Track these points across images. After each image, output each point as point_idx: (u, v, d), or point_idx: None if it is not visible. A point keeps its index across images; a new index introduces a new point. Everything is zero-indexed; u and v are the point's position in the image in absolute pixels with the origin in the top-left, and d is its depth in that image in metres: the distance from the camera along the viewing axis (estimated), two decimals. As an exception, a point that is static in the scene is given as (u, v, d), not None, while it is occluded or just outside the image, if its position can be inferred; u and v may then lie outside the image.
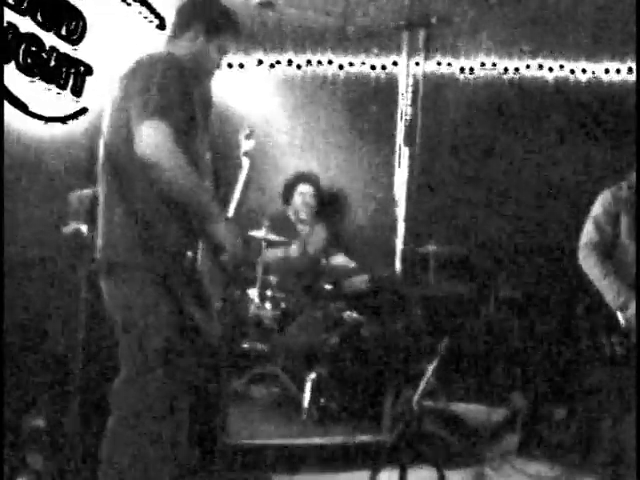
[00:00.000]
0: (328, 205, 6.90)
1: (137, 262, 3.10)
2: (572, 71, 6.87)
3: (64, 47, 4.73)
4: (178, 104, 3.06)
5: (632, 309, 4.45)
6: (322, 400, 5.20)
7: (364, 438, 4.86)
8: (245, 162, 4.35)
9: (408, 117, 5.14)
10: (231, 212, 4.12)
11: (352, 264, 6.32)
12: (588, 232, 4.78)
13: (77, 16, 4.80)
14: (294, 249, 6.28)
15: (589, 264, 4.69)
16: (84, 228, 3.98)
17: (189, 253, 3.09)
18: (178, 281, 3.10)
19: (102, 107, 5.07)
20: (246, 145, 4.36)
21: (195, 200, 3.06)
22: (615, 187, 4.80)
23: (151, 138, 2.94)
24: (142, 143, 2.94)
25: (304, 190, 6.54)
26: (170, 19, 3.43)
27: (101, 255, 3.22)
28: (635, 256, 4.59)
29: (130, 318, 3.14)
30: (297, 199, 6.54)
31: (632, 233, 4.63)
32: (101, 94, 5.11)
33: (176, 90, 3.08)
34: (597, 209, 4.79)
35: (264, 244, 5.84)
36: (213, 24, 3.45)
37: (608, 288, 4.55)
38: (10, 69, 4.32)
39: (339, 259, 6.35)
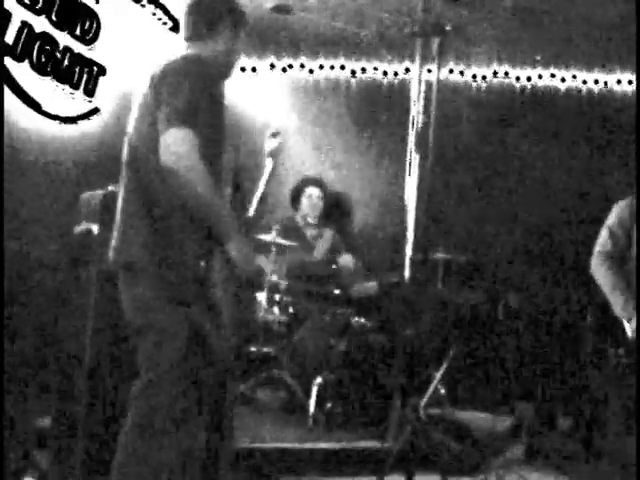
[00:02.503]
0: (337, 210, 6.90)
1: (152, 266, 3.08)
2: (584, 81, 6.87)
3: (78, 47, 4.74)
4: (207, 110, 3.05)
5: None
6: (328, 405, 5.19)
7: (370, 444, 4.85)
8: (269, 162, 4.35)
9: (420, 124, 5.15)
10: (252, 211, 4.13)
11: (359, 263, 6.31)
12: (602, 241, 4.78)
13: (92, 17, 4.82)
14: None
15: (601, 273, 4.67)
16: (95, 228, 3.97)
17: (202, 263, 3.09)
18: (189, 290, 3.10)
19: (115, 107, 5.13)
20: (270, 144, 4.35)
21: (211, 214, 3.06)
22: (630, 198, 4.80)
23: (176, 147, 2.92)
24: (167, 151, 2.92)
25: (312, 193, 6.53)
26: (190, 20, 3.37)
27: (116, 255, 3.19)
28: None
29: (146, 320, 3.13)
30: (304, 203, 6.53)
31: None
32: (114, 95, 5.15)
33: (206, 96, 3.06)
34: (612, 218, 4.79)
35: (274, 248, 5.84)
36: (235, 22, 3.44)
37: (617, 298, 4.53)
38: (24, 68, 4.32)
39: (346, 258, 6.34)
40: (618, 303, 4.52)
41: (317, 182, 6.61)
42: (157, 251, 3.07)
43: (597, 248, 4.78)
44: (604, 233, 4.79)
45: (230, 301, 3.35)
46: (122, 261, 3.18)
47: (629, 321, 4.46)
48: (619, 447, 4.60)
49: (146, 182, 3.09)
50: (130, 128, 3.21)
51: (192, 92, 3.00)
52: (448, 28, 4.87)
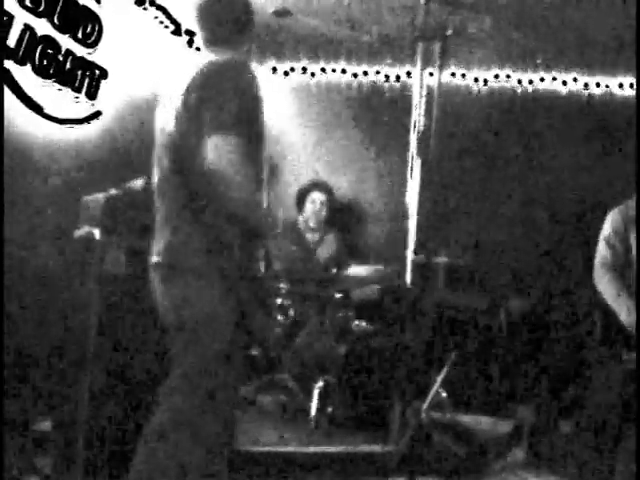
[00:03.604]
0: (340, 214, 6.89)
1: (203, 266, 3.12)
2: (586, 85, 6.88)
3: (80, 50, 4.75)
4: (252, 114, 3.09)
5: None
6: (330, 408, 5.19)
7: (372, 448, 4.85)
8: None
9: (421, 128, 5.14)
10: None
11: (372, 272, 6.27)
12: (601, 253, 4.80)
13: (94, 20, 4.82)
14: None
15: (603, 284, 4.70)
16: (96, 232, 3.98)
17: (248, 259, 3.17)
18: (242, 284, 3.14)
19: (117, 110, 5.13)
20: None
21: (253, 217, 3.13)
22: (623, 206, 4.83)
23: (225, 151, 2.94)
24: (215, 155, 2.94)
25: (316, 198, 6.52)
26: (214, 22, 3.34)
27: (162, 258, 3.21)
28: None
29: (190, 318, 3.16)
30: (308, 207, 6.52)
31: None
32: (116, 98, 5.16)
33: (250, 100, 3.09)
34: (607, 229, 4.82)
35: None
36: (253, 24, 3.45)
37: (622, 306, 4.55)
38: (26, 71, 4.33)
39: (358, 270, 6.29)
40: (623, 310, 4.55)
41: (323, 187, 6.60)
42: (208, 252, 3.12)
43: (597, 261, 4.80)
44: (601, 245, 4.81)
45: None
46: (168, 264, 3.20)
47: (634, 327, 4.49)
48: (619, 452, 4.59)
49: (190, 182, 3.12)
50: (171, 131, 3.17)
51: (240, 97, 3.02)
52: (450, 32, 4.88)
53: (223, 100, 3.00)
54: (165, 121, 3.23)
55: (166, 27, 5.73)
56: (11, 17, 4.14)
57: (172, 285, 3.21)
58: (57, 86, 4.59)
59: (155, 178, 3.31)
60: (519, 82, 6.93)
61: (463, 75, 6.91)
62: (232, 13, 3.36)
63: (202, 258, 3.12)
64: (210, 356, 3.12)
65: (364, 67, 6.97)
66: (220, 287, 3.12)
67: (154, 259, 3.26)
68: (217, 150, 2.94)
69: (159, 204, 3.29)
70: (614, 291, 4.63)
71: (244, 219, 3.10)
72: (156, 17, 5.58)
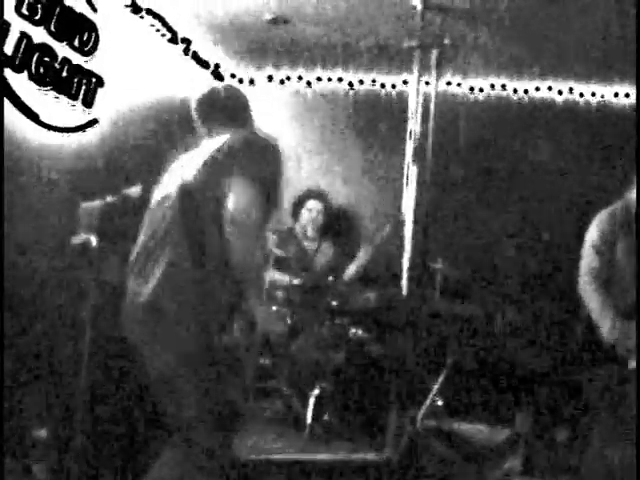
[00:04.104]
0: (339, 225, 6.89)
1: (189, 314, 3.19)
2: (581, 94, 6.89)
3: (77, 58, 4.75)
4: (277, 182, 3.37)
5: (629, 343, 4.30)
6: (325, 416, 5.18)
7: (367, 456, 4.85)
8: None
9: (417, 136, 5.15)
10: None
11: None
12: (588, 261, 4.59)
13: (90, 28, 4.82)
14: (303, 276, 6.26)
15: (588, 294, 4.50)
16: (93, 239, 3.98)
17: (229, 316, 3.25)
18: (219, 337, 3.21)
19: (113, 118, 5.14)
20: None
21: (250, 275, 3.25)
22: (610, 209, 4.65)
23: (250, 209, 3.19)
24: (239, 209, 3.17)
25: (312, 206, 6.53)
26: (226, 107, 3.74)
27: (150, 299, 3.23)
28: (633, 282, 4.41)
29: (176, 365, 3.22)
30: (305, 215, 6.53)
31: (630, 259, 4.46)
32: (112, 106, 5.16)
33: (278, 168, 3.39)
34: (594, 235, 4.60)
35: (271, 262, 5.83)
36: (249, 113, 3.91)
37: (604, 321, 4.38)
38: (22, 79, 4.33)
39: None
40: (605, 326, 4.37)
41: (320, 195, 6.61)
42: (190, 294, 3.20)
43: (583, 269, 4.59)
44: (588, 252, 4.60)
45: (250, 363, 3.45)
46: (152, 306, 3.23)
47: (617, 344, 4.34)
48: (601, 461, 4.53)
49: (195, 225, 3.26)
50: (189, 176, 3.35)
51: (270, 166, 3.35)
52: (447, 41, 4.89)
53: (255, 167, 3.27)
54: (181, 174, 3.41)
55: (162, 35, 5.74)
56: (8, 25, 4.14)
57: (158, 330, 3.24)
58: (53, 94, 4.59)
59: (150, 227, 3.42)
60: (515, 91, 6.95)
61: (459, 84, 6.92)
62: (229, 106, 3.78)
63: (190, 306, 3.19)
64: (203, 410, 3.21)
65: (360, 75, 6.98)
66: (202, 337, 3.19)
67: (138, 297, 3.27)
68: (243, 205, 3.18)
69: (152, 244, 3.36)
70: (599, 303, 4.44)
71: (242, 276, 3.21)
72: (152, 25, 5.58)
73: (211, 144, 3.46)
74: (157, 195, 3.51)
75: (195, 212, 3.26)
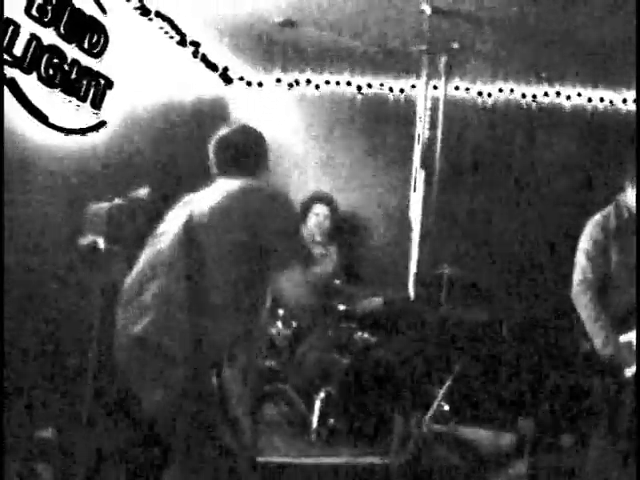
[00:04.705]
0: (343, 227, 6.88)
1: (185, 354, 3.16)
2: (590, 99, 6.89)
3: (86, 60, 4.76)
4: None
5: (622, 357, 4.25)
6: (331, 420, 5.18)
7: (373, 460, 4.84)
8: None
9: (425, 140, 5.16)
10: None
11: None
12: (580, 267, 4.54)
13: (100, 30, 4.83)
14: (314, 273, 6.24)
15: (582, 303, 4.44)
16: (100, 241, 3.99)
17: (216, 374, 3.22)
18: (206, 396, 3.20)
19: (122, 120, 5.15)
20: None
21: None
22: (603, 214, 4.61)
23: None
24: None
25: (319, 211, 6.52)
26: (241, 156, 3.69)
27: (141, 329, 3.20)
28: (627, 290, 4.34)
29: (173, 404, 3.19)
30: (311, 219, 6.52)
31: (624, 266, 4.40)
32: (121, 108, 5.17)
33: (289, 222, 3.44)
34: (586, 241, 4.55)
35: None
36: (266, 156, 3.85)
37: (598, 333, 4.34)
38: (32, 80, 4.34)
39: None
40: (599, 338, 4.32)
41: (326, 200, 6.60)
42: (184, 331, 3.17)
43: (577, 277, 4.54)
44: (581, 259, 4.54)
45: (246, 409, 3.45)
46: (140, 337, 3.20)
47: (608, 359, 4.29)
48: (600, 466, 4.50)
49: (199, 257, 3.26)
50: (200, 214, 3.37)
51: (286, 211, 3.42)
52: (455, 45, 4.89)
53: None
54: (190, 211, 3.42)
55: (171, 38, 5.75)
56: (17, 26, 4.15)
57: (148, 367, 3.21)
58: (62, 95, 4.60)
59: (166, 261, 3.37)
60: (523, 96, 6.94)
61: (467, 89, 6.92)
62: (249, 146, 3.73)
63: (188, 348, 3.15)
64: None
65: (369, 79, 6.98)
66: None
67: (132, 329, 3.23)
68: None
69: (150, 275, 3.33)
70: (593, 313, 4.38)
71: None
72: (161, 28, 5.59)
73: (224, 187, 3.46)
74: (161, 229, 3.50)
75: (199, 250, 3.26)
